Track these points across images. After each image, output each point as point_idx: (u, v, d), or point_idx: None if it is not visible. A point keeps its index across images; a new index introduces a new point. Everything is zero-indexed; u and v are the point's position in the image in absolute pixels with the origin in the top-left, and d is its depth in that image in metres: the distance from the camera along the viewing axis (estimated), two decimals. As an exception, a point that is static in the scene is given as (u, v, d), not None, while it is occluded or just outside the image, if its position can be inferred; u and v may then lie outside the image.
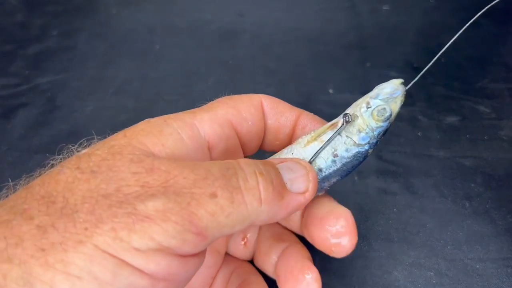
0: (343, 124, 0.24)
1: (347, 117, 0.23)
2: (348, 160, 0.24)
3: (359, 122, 0.24)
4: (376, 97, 0.23)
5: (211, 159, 0.24)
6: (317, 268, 0.24)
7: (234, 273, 0.28)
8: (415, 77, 0.24)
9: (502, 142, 0.38)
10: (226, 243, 0.29)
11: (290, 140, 0.26)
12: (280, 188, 0.21)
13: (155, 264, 0.17)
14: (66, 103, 0.42)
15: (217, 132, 0.24)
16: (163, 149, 0.21)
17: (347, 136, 0.24)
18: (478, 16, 0.25)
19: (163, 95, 0.43)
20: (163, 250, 0.17)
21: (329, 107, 0.41)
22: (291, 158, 0.24)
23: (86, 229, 0.17)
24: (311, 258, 0.26)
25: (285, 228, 0.29)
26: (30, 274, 0.16)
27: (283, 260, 0.26)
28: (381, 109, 0.23)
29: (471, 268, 0.30)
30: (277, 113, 0.26)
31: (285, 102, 0.26)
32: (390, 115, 0.23)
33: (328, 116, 0.40)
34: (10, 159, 0.38)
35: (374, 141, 0.24)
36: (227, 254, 0.30)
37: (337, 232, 0.24)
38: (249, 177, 0.21)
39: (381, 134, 0.24)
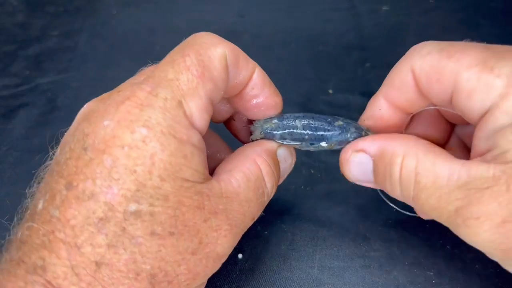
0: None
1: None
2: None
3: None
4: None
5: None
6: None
7: None
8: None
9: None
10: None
11: (238, 94, 0.26)
12: (278, 182, 0.27)
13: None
14: (66, 103, 0.43)
15: (206, 120, 0.22)
16: (199, 175, 0.21)
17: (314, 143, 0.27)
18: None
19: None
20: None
21: (329, 107, 0.41)
22: (287, 145, 0.27)
23: (187, 284, 0.20)
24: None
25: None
26: None
27: None
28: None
29: (471, 267, 0.30)
30: (236, 71, 0.24)
31: (242, 53, 0.24)
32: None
33: (328, 116, 0.40)
34: (10, 159, 0.38)
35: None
36: None
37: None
38: (270, 191, 0.25)
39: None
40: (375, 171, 0.24)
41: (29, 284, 0.18)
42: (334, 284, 0.29)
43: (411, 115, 0.26)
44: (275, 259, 0.31)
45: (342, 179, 0.36)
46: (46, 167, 0.22)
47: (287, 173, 0.28)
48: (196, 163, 0.21)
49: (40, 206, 0.20)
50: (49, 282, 0.18)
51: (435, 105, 0.24)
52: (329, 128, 0.26)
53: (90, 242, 0.18)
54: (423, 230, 0.32)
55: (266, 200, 0.25)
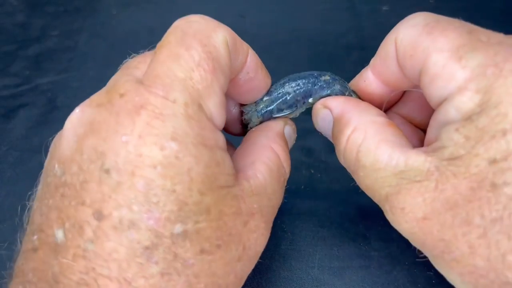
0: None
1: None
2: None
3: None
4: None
5: None
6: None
7: None
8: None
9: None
10: None
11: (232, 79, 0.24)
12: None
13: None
14: (66, 103, 0.43)
15: (223, 115, 0.21)
16: (230, 178, 0.20)
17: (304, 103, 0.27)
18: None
19: (163, 95, 0.43)
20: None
21: (329, 107, 0.41)
22: (291, 122, 0.27)
23: None
24: None
25: None
26: None
27: None
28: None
29: (471, 267, 0.30)
30: (235, 56, 0.22)
31: (237, 35, 0.23)
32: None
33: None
34: (10, 159, 0.38)
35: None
36: None
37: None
38: (287, 176, 0.25)
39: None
40: (332, 131, 0.24)
41: None
42: (334, 284, 0.29)
43: (393, 93, 0.25)
44: (275, 259, 0.31)
45: (342, 179, 0.36)
46: (47, 185, 0.19)
47: (291, 145, 0.28)
48: (227, 167, 0.20)
49: (60, 237, 0.17)
50: None
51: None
52: (315, 82, 0.26)
53: (141, 274, 0.17)
54: (423, 230, 0.32)
55: (285, 184, 0.25)
